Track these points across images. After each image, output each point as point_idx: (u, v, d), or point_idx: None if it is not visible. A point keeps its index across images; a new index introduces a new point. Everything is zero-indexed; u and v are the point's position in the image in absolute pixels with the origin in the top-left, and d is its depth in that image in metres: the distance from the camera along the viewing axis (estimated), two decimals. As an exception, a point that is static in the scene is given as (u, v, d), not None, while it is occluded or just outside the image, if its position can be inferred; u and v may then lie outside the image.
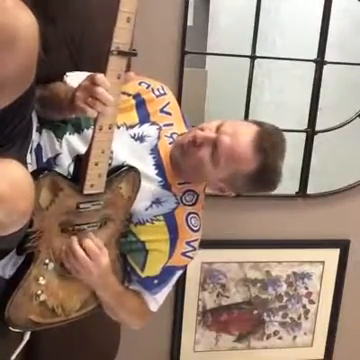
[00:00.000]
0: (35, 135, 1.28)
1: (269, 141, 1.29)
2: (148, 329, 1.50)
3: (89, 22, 1.41)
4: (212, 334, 2.03)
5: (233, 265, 1.98)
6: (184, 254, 1.40)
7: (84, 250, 1.24)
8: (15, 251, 1.22)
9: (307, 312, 2.09)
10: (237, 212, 1.93)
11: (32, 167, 1.25)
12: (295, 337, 2.11)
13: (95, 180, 1.19)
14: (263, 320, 2.06)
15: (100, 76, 1.10)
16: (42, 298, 1.27)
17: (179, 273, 1.44)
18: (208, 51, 2.15)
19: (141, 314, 1.44)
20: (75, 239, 1.24)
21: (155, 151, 1.36)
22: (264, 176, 1.32)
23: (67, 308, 1.33)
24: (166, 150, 1.37)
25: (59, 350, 1.59)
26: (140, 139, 1.36)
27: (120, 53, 1.09)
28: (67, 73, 1.34)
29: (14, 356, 1.34)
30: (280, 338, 2.09)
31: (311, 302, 2.09)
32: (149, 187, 1.33)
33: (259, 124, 1.33)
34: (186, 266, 1.48)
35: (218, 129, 1.29)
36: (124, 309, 1.40)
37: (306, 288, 2.07)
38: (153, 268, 1.39)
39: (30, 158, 1.25)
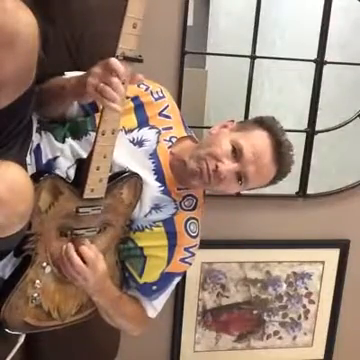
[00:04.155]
0: (35, 136, 1.27)
1: (283, 151, 1.33)
2: (148, 329, 1.49)
3: (89, 22, 1.41)
4: (212, 334, 2.03)
5: (233, 265, 1.98)
6: (183, 260, 1.40)
7: (80, 256, 1.23)
8: (12, 253, 1.22)
9: (307, 312, 2.09)
10: (237, 212, 1.93)
11: (31, 168, 1.24)
12: (295, 337, 2.11)
13: (96, 185, 1.19)
14: (263, 320, 2.06)
15: (114, 61, 1.06)
16: (38, 301, 1.26)
17: (177, 279, 1.44)
18: (208, 51, 2.15)
19: (139, 320, 1.44)
20: (71, 246, 1.23)
21: (154, 156, 1.35)
22: (279, 179, 1.37)
23: (63, 312, 1.33)
24: (165, 154, 1.36)
25: (59, 350, 1.58)
26: (139, 143, 1.34)
27: (125, 58, 1.07)
28: (65, 73, 1.33)
29: (9, 358, 1.33)
30: (280, 338, 2.09)
31: (311, 302, 2.08)
32: (149, 193, 1.32)
33: (266, 128, 1.33)
34: (185, 272, 1.48)
35: (235, 153, 1.29)
36: (121, 315, 1.40)
37: (306, 288, 2.07)
38: (151, 274, 1.39)
39: (29, 159, 1.25)
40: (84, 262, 1.23)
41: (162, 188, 1.35)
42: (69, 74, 1.33)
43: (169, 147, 1.37)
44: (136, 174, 1.29)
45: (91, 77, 1.10)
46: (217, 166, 1.27)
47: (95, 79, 1.09)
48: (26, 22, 0.95)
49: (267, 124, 1.34)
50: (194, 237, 1.41)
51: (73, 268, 1.23)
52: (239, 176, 1.29)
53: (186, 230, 1.39)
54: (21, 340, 1.34)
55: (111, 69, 1.07)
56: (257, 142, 1.31)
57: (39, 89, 1.22)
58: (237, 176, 1.29)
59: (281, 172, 1.35)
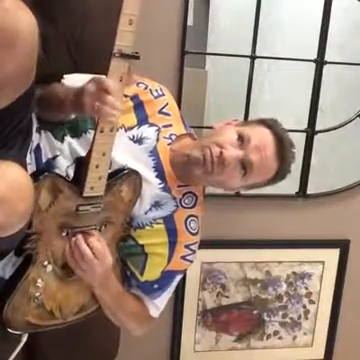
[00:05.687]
0: (35, 135, 1.28)
1: (285, 147, 1.34)
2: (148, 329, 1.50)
3: (89, 21, 1.41)
4: (212, 334, 2.03)
5: (233, 265, 1.98)
6: (184, 258, 1.40)
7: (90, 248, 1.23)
8: (13, 252, 1.22)
9: (307, 312, 2.09)
10: (237, 212, 1.93)
11: (31, 167, 1.25)
12: (295, 337, 2.11)
13: (95, 183, 1.19)
14: (263, 320, 2.06)
15: (108, 83, 1.08)
16: (40, 300, 1.26)
17: (179, 277, 1.44)
18: (208, 51, 2.15)
19: (141, 318, 1.44)
20: (81, 237, 1.22)
21: (154, 153, 1.35)
22: (279, 178, 1.38)
23: (65, 311, 1.33)
24: (165, 152, 1.36)
25: (59, 350, 1.58)
26: (139, 141, 1.35)
27: (122, 55, 1.08)
28: (65, 76, 1.33)
29: (11, 358, 1.33)
30: (280, 338, 2.09)
31: (311, 302, 2.09)
32: (149, 190, 1.33)
33: (269, 126, 1.34)
34: (186, 270, 1.48)
35: (240, 141, 1.29)
36: (124, 311, 1.40)
37: (306, 288, 2.07)
38: (152, 272, 1.39)
39: (30, 158, 1.25)
40: (93, 254, 1.23)
41: (162, 185, 1.35)
42: (68, 77, 1.33)
43: (169, 144, 1.38)
44: (135, 171, 1.29)
45: (87, 97, 1.12)
46: (221, 153, 1.27)
47: (91, 98, 1.11)
48: (26, 22, 0.95)
49: (269, 123, 1.36)
50: (194, 234, 1.41)
51: (82, 260, 1.22)
52: (243, 165, 1.30)
53: (186, 227, 1.39)
54: (24, 340, 1.34)
55: (104, 89, 1.08)
56: (262, 136, 1.32)
57: (39, 95, 1.23)
58: (241, 165, 1.29)
59: (282, 169, 1.35)
